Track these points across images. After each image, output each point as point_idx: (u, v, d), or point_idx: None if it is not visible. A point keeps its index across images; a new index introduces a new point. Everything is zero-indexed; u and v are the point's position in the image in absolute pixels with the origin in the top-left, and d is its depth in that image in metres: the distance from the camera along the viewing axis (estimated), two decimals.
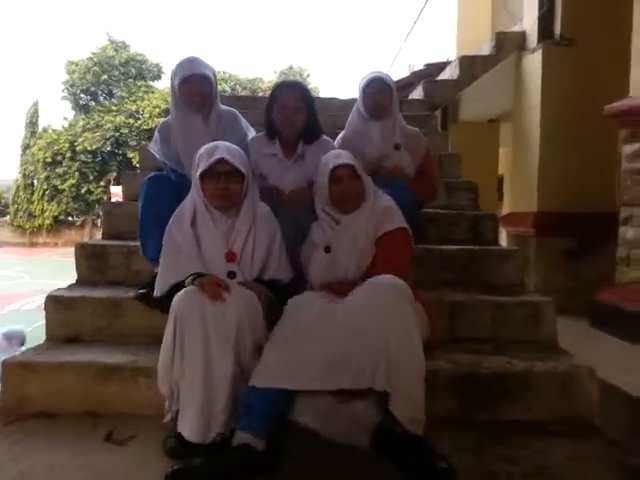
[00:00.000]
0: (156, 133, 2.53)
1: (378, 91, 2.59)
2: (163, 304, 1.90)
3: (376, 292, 1.72)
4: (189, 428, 1.65)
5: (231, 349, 1.68)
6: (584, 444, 1.86)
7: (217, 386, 1.67)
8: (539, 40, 4.55)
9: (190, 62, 2.35)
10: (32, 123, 31.13)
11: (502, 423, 1.99)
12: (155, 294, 1.96)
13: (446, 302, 2.36)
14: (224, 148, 1.90)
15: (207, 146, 1.93)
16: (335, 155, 2.04)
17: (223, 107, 2.54)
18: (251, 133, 2.60)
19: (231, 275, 1.87)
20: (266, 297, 1.83)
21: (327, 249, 1.99)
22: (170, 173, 2.49)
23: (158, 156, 2.53)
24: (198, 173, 1.89)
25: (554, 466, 1.70)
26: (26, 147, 30.25)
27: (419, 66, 6.66)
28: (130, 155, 26.14)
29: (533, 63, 4.65)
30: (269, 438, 1.63)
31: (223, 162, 1.86)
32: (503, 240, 4.81)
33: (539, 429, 1.95)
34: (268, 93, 2.67)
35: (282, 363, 1.68)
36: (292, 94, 2.35)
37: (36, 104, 31.61)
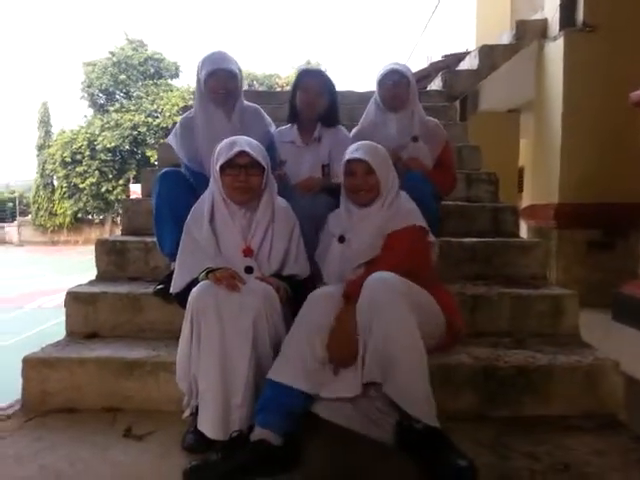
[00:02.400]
0: (177, 126, 2.53)
1: (394, 83, 2.56)
2: (181, 298, 1.90)
3: (365, 290, 1.70)
4: (208, 424, 1.65)
5: (248, 343, 1.68)
6: (608, 440, 1.82)
7: (235, 381, 1.66)
8: (561, 28, 4.44)
9: (217, 56, 2.35)
10: (44, 123, 31.63)
11: (524, 418, 1.95)
12: (172, 290, 1.97)
13: (467, 295, 2.33)
14: (244, 141, 1.90)
15: (227, 140, 1.93)
16: (355, 147, 2.02)
17: (246, 103, 2.55)
18: (272, 128, 2.59)
19: (248, 270, 1.87)
20: (284, 291, 1.83)
21: (341, 239, 1.99)
22: (185, 170, 2.50)
23: (175, 149, 2.53)
24: (218, 165, 1.88)
25: (578, 462, 1.66)
26: (41, 147, 30.76)
27: (437, 57, 6.57)
28: (149, 154, 26.42)
29: (555, 51, 4.55)
30: (288, 432, 1.62)
31: (243, 154, 1.85)
32: (523, 233, 4.73)
33: (562, 424, 1.91)
34: (286, 89, 2.71)
35: (299, 361, 1.67)
36: (315, 79, 2.51)
37: (45, 104, 32.13)
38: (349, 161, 1.97)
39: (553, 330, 2.31)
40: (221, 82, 2.33)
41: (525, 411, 1.98)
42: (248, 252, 1.89)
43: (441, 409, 1.64)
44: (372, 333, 1.63)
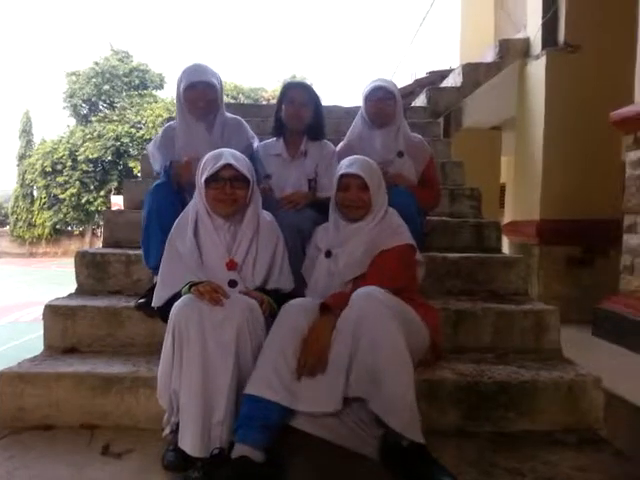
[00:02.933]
0: (159, 134, 2.53)
1: (380, 99, 2.58)
2: (163, 312, 1.87)
3: (352, 304, 1.69)
4: (188, 441, 1.61)
5: (231, 359, 1.66)
6: (590, 455, 1.82)
7: (216, 397, 1.64)
8: (543, 47, 4.54)
9: (196, 69, 2.36)
10: (26, 132, 31.27)
11: (507, 434, 1.95)
12: (153, 304, 1.94)
13: (450, 310, 2.33)
14: (229, 154, 1.89)
15: (213, 152, 1.92)
16: (349, 162, 2.02)
17: (228, 115, 2.55)
18: (255, 142, 2.61)
19: (232, 284, 1.85)
20: (268, 304, 1.81)
21: (328, 254, 1.98)
22: (161, 177, 2.50)
23: (150, 156, 2.53)
24: (203, 178, 1.87)
25: (561, 478, 1.66)
26: (22, 157, 30.36)
27: (422, 74, 6.66)
28: (131, 165, 26.20)
29: (537, 70, 4.64)
30: (269, 447, 1.60)
31: (229, 167, 1.85)
32: (505, 248, 4.79)
33: (545, 440, 1.92)
34: (272, 102, 2.74)
35: (272, 373, 1.65)
36: (300, 91, 2.52)
37: (27, 113, 31.77)
38: (344, 175, 1.97)
39: (535, 346, 2.32)
40: (200, 94, 2.33)
41: (509, 427, 1.98)
42: (232, 266, 1.88)
43: (425, 424, 1.65)
44: (359, 347, 1.62)
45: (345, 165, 2.01)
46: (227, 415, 1.63)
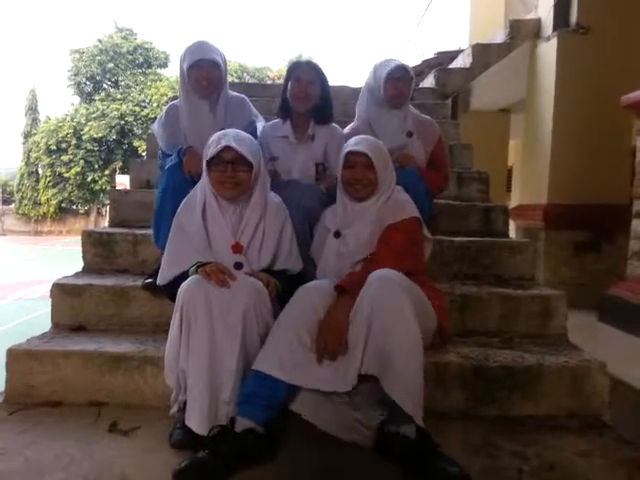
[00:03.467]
0: (163, 113, 2.51)
1: (401, 79, 2.53)
2: (170, 291, 1.87)
3: (367, 288, 1.69)
4: (196, 420, 1.63)
5: (237, 339, 1.67)
6: (594, 440, 1.83)
7: (222, 378, 1.66)
8: (554, 28, 4.46)
9: (199, 46, 2.33)
10: (32, 110, 31.18)
11: (512, 418, 1.96)
12: (158, 282, 1.95)
13: (456, 295, 2.33)
14: (232, 135, 1.86)
15: (218, 133, 1.90)
16: (356, 140, 2.00)
17: (232, 93, 2.52)
18: (260, 121, 2.58)
19: (238, 266, 1.85)
20: (274, 286, 1.81)
21: (337, 234, 1.98)
22: (161, 156, 2.50)
23: (156, 134, 2.52)
24: (205, 160, 1.86)
25: (564, 462, 1.67)
26: (27, 135, 30.31)
27: (430, 54, 6.57)
28: (136, 144, 26.12)
29: (548, 52, 4.57)
30: (270, 422, 1.64)
31: (229, 149, 1.82)
32: (511, 233, 4.77)
33: (549, 424, 1.93)
34: (277, 82, 2.70)
35: (284, 350, 1.66)
36: (307, 69, 2.46)
37: (34, 91, 31.68)
38: (350, 153, 1.96)
39: (541, 330, 2.32)
40: (204, 72, 2.30)
41: (513, 410, 1.98)
42: (237, 248, 1.87)
43: (430, 407, 1.65)
44: (372, 329, 1.62)
45: (352, 143, 1.99)
46: (233, 395, 1.65)
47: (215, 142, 1.85)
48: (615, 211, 4.17)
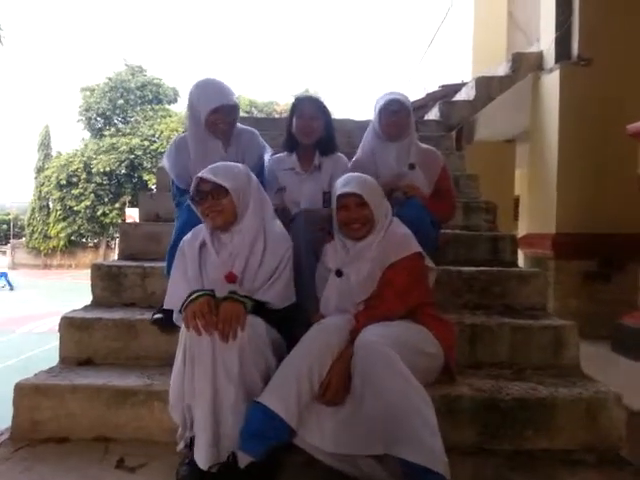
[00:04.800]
0: (172, 147, 2.52)
1: (395, 112, 2.56)
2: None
3: (356, 358, 1.67)
4: (201, 457, 1.61)
5: (235, 379, 1.65)
6: (612, 475, 1.79)
7: (224, 414, 1.64)
8: (556, 60, 4.53)
9: (216, 89, 2.33)
10: (44, 146, 31.83)
11: (525, 452, 1.92)
12: (165, 306, 1.94)
13: (466, 325, 2.30)
14: (208, 168, 1.88)
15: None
16: (344, 181, 1.99)
17: (241, 126, 2.55)
18: (267, 152, 2.62)
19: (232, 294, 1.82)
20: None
21: (338, 273, 1.96)
22: (175, 191, 2.51)
23: (167, 167, 2.53)
24: (190, 198, 1.90)
25: None
26: (39, 170, 30.86)
27: (433, 88, 6.67)
28: (146, 177, 26.48)
29: (551, 83, 4.63)
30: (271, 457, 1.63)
31: (204, 181, 1.85)
32: (520, 262, 4.74)
33: (564, 459, 1.88)
34: (284, 115, 2.77)
35: (294, 395, 1.62)
36: (310, 104, 2.55)
37: (47, 128, 32.43)
38: (341, 196, 1.95)
39: (554, 362, 2.28)
40: (224, 117, 2.33)
41: (527, 445, 1.94)
42: (231, 278, 1.84)
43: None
44: (364, 402, 1.60)
45: (341, 184, 1.98)
46: (233, 429, 1.63)
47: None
48: (624, 240, 4.15)
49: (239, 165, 1.99)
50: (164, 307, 1.96)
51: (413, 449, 1.49)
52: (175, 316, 1.90)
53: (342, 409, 1.65)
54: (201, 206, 1.87)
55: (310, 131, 2.50)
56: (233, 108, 2.36)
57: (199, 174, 1.85)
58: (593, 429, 1.96)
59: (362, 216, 1.93)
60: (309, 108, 2.52)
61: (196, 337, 1.66)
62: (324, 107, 2.56)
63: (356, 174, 2.07)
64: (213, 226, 1.89)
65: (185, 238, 1.97)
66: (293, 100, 2.68)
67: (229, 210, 1.86)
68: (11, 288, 19.14)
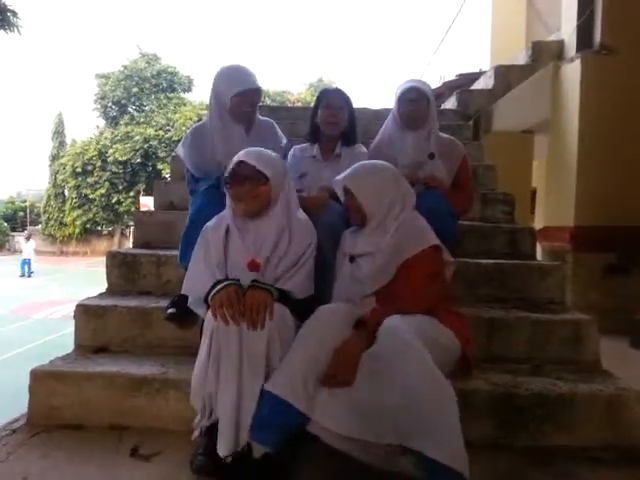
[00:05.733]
0: (188, 136, 2.51)
1: (412, 100, 2.52)
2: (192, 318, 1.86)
3: (380, 344, 1.63)
4: (222, 446, 1.59)
5: (262, 367, 1.63)
6: (632, 473, 1.76)
7: (247, 403, 1.62)
8: (578, 49, 4.45)
9: (242, 74, 2.35)
10: (59, 133, 32.05)
11: (543, 448, 1.89)
12: (183, 291, 1.91)
13: (483, 319, 2.27)
14: (250, 152, 1.86)
15: (238, 153, 1.90)
16: (348, 170, 1.99)
17: (260, 117, 2.57)
18: (283, 142, 2.63)
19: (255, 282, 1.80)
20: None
21: (351, 259, 1.94)
22: (190, 178, 2.50)
23: (182, 157, 2.52)
24: (224, 178, 1.86)
25: None
26: (54, 157, 31.10)
27: (450, 77, 6.58)
28: (160, 167, 26.58)
29: (572, 73, 4.54)
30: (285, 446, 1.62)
31: (245, 164, 1.82)
32: (538, 255, 4.69)
33: (583, 456, 1.85)
34: (296, 104, 2.75)
35: (301, 379, 1.60)
36: (336, 96, 2.59)
37: (60, 115, 32.58)
38: (345, 184, 1.97)
39: (573, 357, 2.25)
40: (249, 100, 2.35)
41: (545, 441, 1.91)
42: (253, 266, 1.82)
43: None
44: (383, 390, 1.56)
45: (344, 173, 1.99)
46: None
47: (235, 159, 1.86)
48: None
49: (275, 153, 1.97)
50: (182, 292, 1.93)
51: (435, 445, 1.45)
52: (190, 300, 1.88)
53: (355, 393, 1.60)
54: (235, 189, 1.84)
55: (335, 122, 2.55)
56: (257, 92, 2.39)
57: (241, 157, 1.82)
58: (613, 426, 1.93)
59: (352, 206, 1.93)
60: (335, 100, 2.56)
61: (223, 326, 1.65)
62: (349, 98, 2.61)
63: (361, 164, 2.03)
64: (245, 211, 1.86)
65: (209, 224, 1.94)
66: (319, 91, 2.72)
67: (264, 197, 1.85)
68: (29, 274, 19.40)
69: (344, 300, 1.87)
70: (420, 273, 1.82)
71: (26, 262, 19.56)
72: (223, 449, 1.59)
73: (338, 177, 1.99)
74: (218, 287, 1.73)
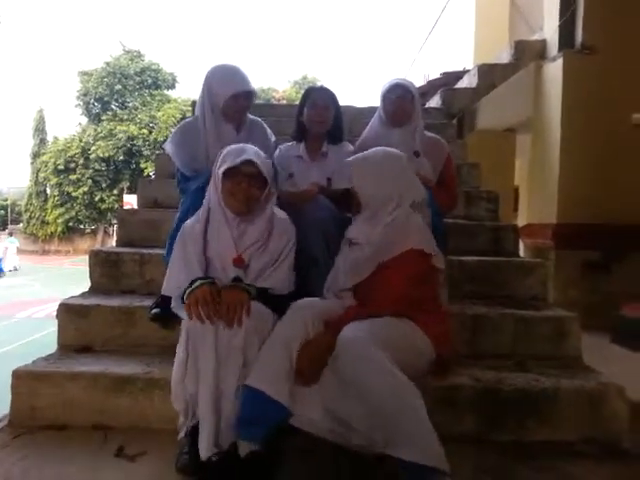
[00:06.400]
0: (177, 132, 2.49)
1: (398, 97, 2.56)
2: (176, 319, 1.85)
3: (338, 360, 1.62)
4: (204, 446, 1.59)
5: (238, 364, 1.64)
6: (612, 467, 1.79)
7: (227, 403, 1.63)
8: (560, 49, 4.49)
9: (237, 77, 2.35)
10: (39, 130, 31.57)
11: (527, 443, 1.91)
12: (163, 292, 1.92)
13: (467, 315, 2.29)
14: (253, 151, 1.87)
15: (235, 146, 1.90)
16: (354, 156, 2.04)
17: (250, 116, 2.57)
18: (272, 140, 2.63)
19: (237, 281, 1.81)
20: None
21: (350, 243, 1.96)
22: (180, 177, 2.48)
23: (171, 154, 2.49)
24: (222, 170, 1.83)
25: None
26: (35, 155, 30.62)
27: (434, 75, 6.61)
28: (143, 165, 26.33)
29: (554, 72, 4.58)
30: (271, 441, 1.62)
31: (250, 164, 1.82)
32: (521, 252, 4.73)
33: (565, 450, 1.88)
34: (281, 102, 2.76)
35: (278, 373, 1.63)
36: (323, 94, 2.58)
37: (41, 112, 32.10)
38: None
39: (555, 353, 2.28)
40: (242, 102, 2.36)
41: (528, 436, 1.94)
42: (239, 262, 1.83)
43: (442, 432, 1.57)
44: (350, 402, 1.57)
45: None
46: (233, 416, 1.62)
47: (235, 154, 1.84)
48: (626, 231, 4.13)
49: (267, 156, 1.97)
50: (162, 293, 1.94)
51: (408, 447, 1.46)
52: (173, 304, 1.87)
53: (326, 399, 1.62)
54: (231, 184, 1.83)
55: (322, 120, 2.53)
56: (250, 94, 2.39)
57: (248, 156, 1.82)
58: (595, 421, 1.95)
59: (352, 190, 1.94)
60: (321, 98, 2.55)
61: (199, 325, 1.65)
62: (335, 97, 2.59)
63: (376, 149, 2.03)
64: (232, 208, 1.86)
65: (187, 223, 1.94)
66: (305, 90, 2.69)
67: (256, 200, 1.86)
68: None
69: (330, 292, 1.89)
70: (398, 275, 1.79)
71: None
72: (204, 451, 1.58)
73: (349, 158, 2.03)
74: (193, 286, 1.73)
